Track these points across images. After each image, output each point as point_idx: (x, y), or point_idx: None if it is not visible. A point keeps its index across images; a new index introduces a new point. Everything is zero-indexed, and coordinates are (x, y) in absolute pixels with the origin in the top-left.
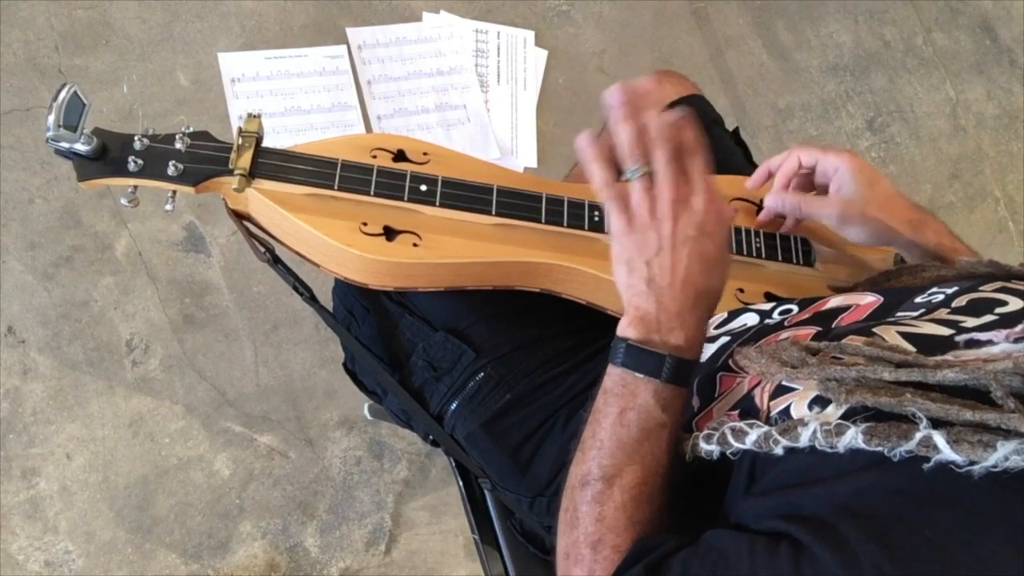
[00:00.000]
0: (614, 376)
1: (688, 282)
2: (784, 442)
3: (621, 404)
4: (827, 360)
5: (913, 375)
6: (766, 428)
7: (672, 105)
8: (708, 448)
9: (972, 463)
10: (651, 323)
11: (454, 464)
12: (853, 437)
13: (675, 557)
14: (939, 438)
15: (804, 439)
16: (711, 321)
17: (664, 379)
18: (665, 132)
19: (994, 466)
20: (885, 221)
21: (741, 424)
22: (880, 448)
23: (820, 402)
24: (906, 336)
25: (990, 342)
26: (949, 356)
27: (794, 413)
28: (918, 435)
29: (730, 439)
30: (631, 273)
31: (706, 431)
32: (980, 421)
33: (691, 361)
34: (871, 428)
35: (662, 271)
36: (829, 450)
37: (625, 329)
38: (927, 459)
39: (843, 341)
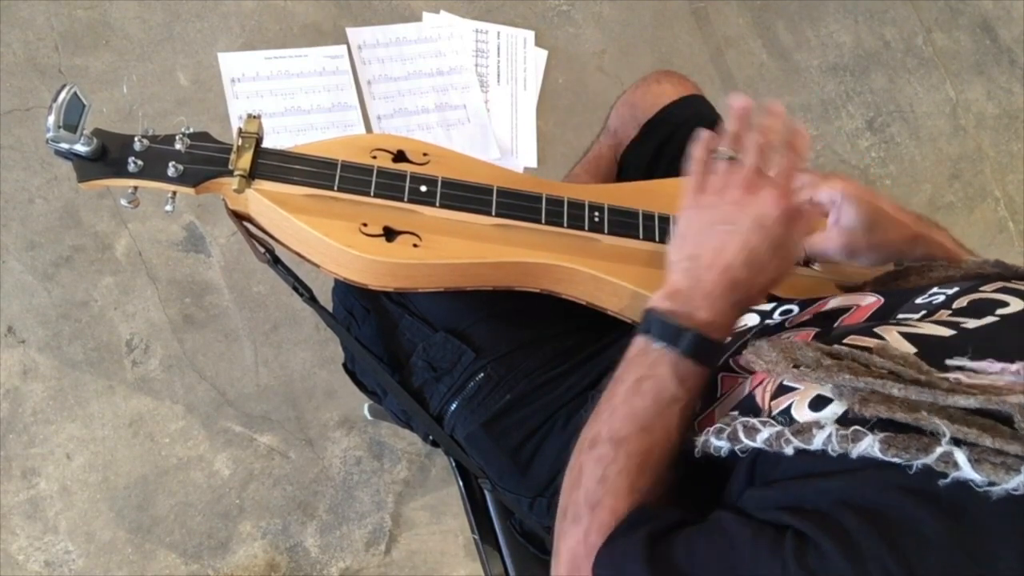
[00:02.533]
0: (637, 344)
1: (728, 269)
2: (796, 443)
3: (639, 372)
4: (844, 367)
5: (923, 396)
6: (779, 427)
7: (671, 105)
8: (718, 444)
9: (991, 484)
10: (681, 298)
11: (454, 464)
12: (870, 445)
13: (680, 533)
14: (960, 456)
15: (818, 442)
16: None
17: (682, 351)
18: (766, 130)
19: (1015, 489)
20: (894, 241)
21: (754, 421)
22: (897, 459)
23: (821, 402)
24: (906, 336)
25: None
26: (961, 376)
27: (795, 413)
28: (938, 450)
29: (741, 435)
30: (681, 247)
31: (717, 426)
32: (1000, 449)
33: (713, 341)
34: (889, 438)
35: (706, 250)
36: (834, 454)
37: (656, 301)
38: (944, 475)
39: (855, 349)
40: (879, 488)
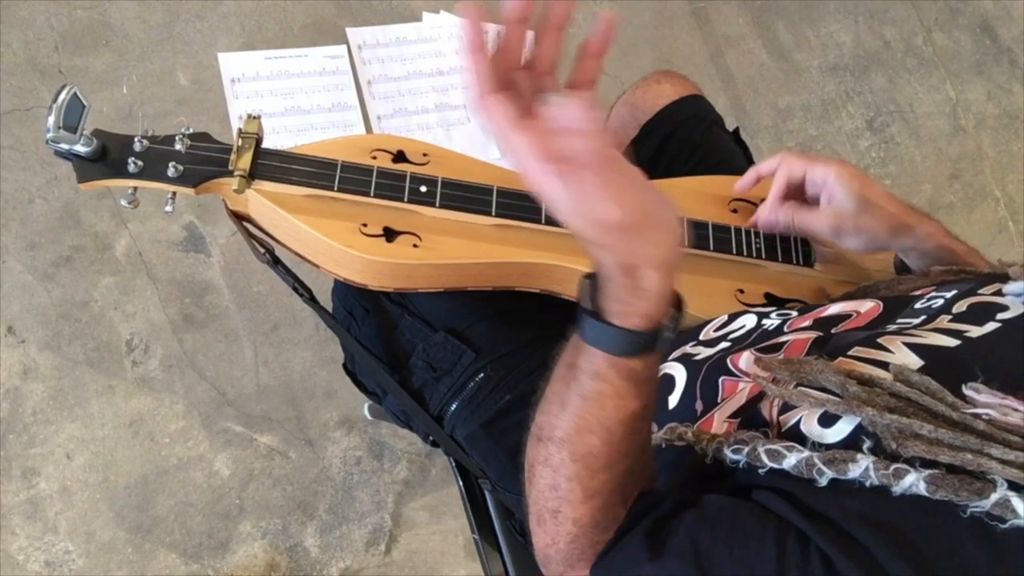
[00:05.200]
0: (573, 334)
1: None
2: (830, 473)
3: (570, 360)
4: (868, 401)
5: (956, 441)
6: (807, 454)
7: (671, 105)
8: (735, 457)
9: None
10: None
11: (454, 464)
12: (914, 483)
13: (679, 520)
14: (1020, 504)
15: (854, 474)
16: (711, 324)
17: (588, 342)
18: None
19: None
20: (879, 228)
21: (778, 446)
22: (946, 499)
23: (830, 417)
24: (912, 347)
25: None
26: (992, 413)
27: (804, 428)
28: (994, 496)
29: (765, 459)
30: None
31: (734, 444)
32: None
33: (614, 328)
34: (936, 477)
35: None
36: (870, 486)
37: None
38: (1001, 519)
39: (869, 365)
40: (920, 514)
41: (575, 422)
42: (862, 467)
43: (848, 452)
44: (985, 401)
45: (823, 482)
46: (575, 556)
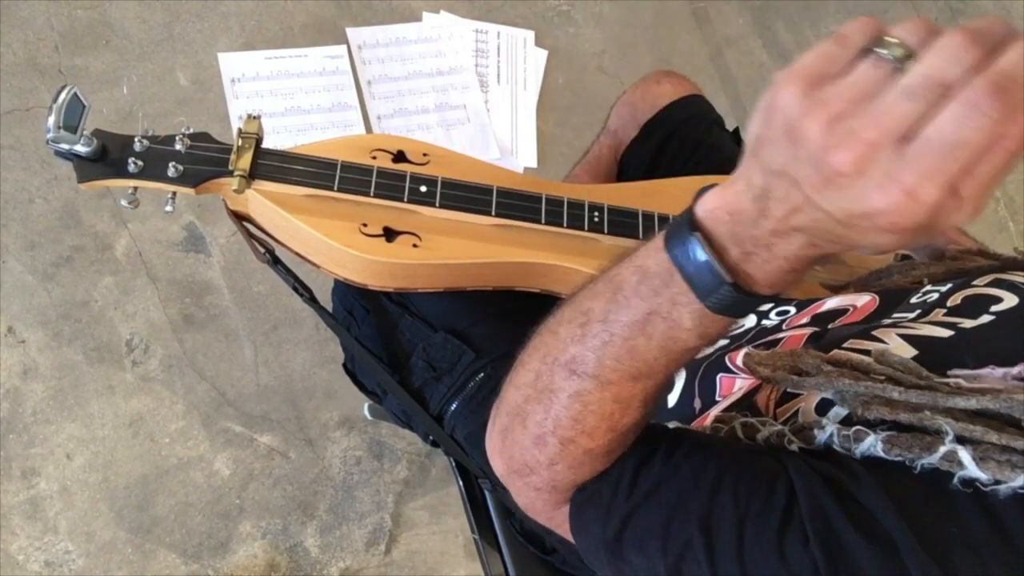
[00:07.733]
0: (659, 261)
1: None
2: (798, 443)
3: (652, 306)
4: (844, 373)
5: (923, 398)
6: (779, 427)
7: (671, 105)
8: None
9: (998, 483)
10: (740, 225)
11: (454, 464)
12: (872, 444)
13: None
14: (964, 454)
15: (819, 441)
16: None
17: (711, 306)
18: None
19: (1021, 487)
20: None
21: (753, 420)
22: (900, 458)
23: (826, 405)
24: (906, 338)
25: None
26: (961, 381)
27: (802, 419)
28: (942, 449)
29: (739, 433)
30: (760, 153)
31: (714, 425)
32: (1006, 445)
33: (754, 296)
34: (892, 437)
35: (799, 180)
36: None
37: (706, 212)
38: (950, 474)
39: (854, 354)
40: (909, 481)
41: (630, 365)
42: (827, 434)
43: (815, 422)
44: (962, 375)
45: (793, 449)
46: (569, 480)
